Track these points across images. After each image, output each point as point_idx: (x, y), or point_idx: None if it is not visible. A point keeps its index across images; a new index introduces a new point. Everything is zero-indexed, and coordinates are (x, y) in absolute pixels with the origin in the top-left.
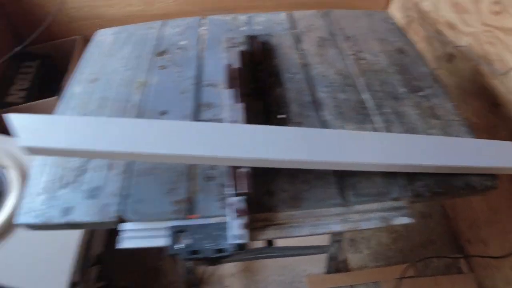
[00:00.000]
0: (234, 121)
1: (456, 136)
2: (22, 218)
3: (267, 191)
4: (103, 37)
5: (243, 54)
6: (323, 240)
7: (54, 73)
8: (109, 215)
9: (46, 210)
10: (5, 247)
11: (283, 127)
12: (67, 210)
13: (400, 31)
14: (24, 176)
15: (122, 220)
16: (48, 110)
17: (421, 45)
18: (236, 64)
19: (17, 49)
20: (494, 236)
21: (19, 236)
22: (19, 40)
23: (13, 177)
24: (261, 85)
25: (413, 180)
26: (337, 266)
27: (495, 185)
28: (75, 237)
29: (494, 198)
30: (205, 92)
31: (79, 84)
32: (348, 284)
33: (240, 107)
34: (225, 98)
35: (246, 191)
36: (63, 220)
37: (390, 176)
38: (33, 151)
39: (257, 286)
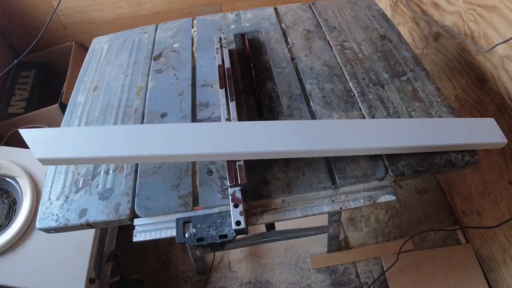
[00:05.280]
0: (228, 119)
1: (438, 116)
2: (43, 223)
3: (263, 180)
4: (99, 45)
5: (234, 53)
6: (323, 221)
7: (52, 80)
8: (122, 212)
9: (64, 214)
10: (24, 250)
11: (273, 121)
12: (83, 212)
13: (383, 17)
14: (35, 185)
15: (134, 217)
16: (49, 118)
17: (409, 25)
18: (227, 64)
19: (16, 61)
20: (487, 207)
21: (37, 239)
22: (13, 51)
23: (25, 186)
24: (252, 81)
25: (396, 160)
26: (338, 245)
27: (475, 160)
28: (89, 236)
29: (486, 171)
30: (201, 92)
31: (82, 93)
32: (349, 261)
33: (233, 105)
34: (219, 98)
35: (241, 182)
36: (80, 221)
37: (374, 158)
38: (46, 162)
39: (263, 269)
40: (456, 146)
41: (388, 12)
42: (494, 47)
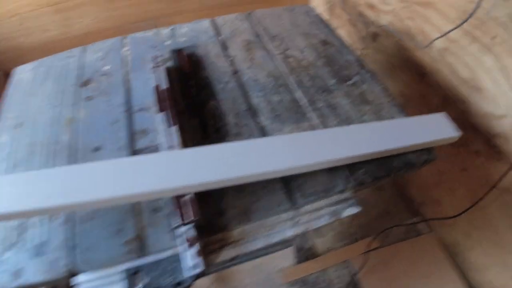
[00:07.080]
0: (170, 146)
1: (389, 117)
2: None
3: (217, 211)
4: (22, 75)
5: (171, 71)
6: None
7: None
8: (60, 270)
9: None
10: None
11: (220, 145)
12: (17, 273)
13: (322, 22)
14: None
15: (74, 273)
16: None
17: (346, 28)
18: (164, 84)
19: None
20: (445, 195)
21: None
22: None
23: None
24: (194, 100)
25: (355, 169)
26: (306, 254)
27: (433, 158)
28: None
29: (438, 161)
30: (138, 118)
31: (4, 132)
32: (319, 269)
33: (174, 130)
34: (158, 123)
35: (192, 218)
36: (15, 284)
37: (333, 170)
38: None
39: None
40: (411, 146)
41: (325, 17)
42: (433, 41)
